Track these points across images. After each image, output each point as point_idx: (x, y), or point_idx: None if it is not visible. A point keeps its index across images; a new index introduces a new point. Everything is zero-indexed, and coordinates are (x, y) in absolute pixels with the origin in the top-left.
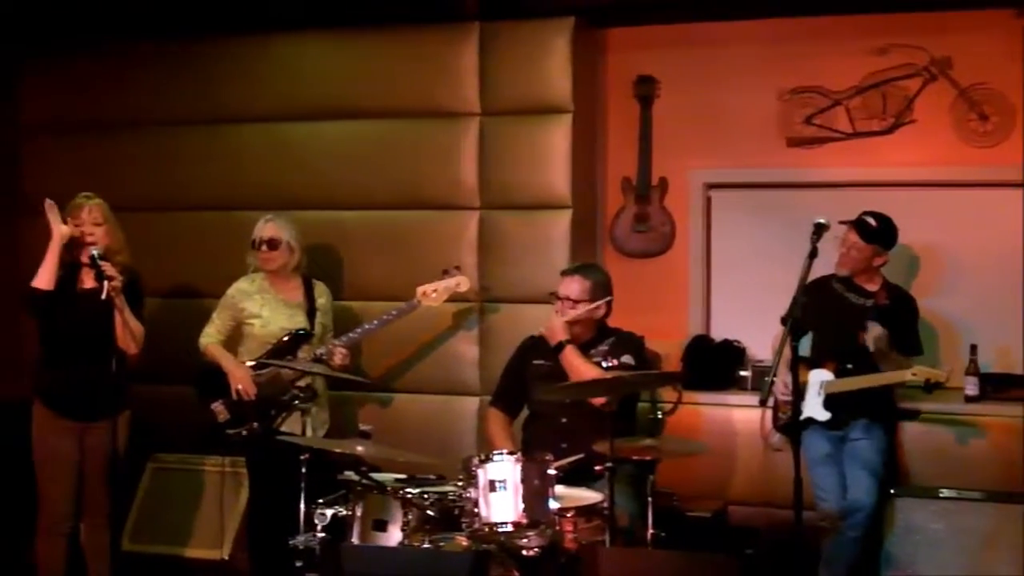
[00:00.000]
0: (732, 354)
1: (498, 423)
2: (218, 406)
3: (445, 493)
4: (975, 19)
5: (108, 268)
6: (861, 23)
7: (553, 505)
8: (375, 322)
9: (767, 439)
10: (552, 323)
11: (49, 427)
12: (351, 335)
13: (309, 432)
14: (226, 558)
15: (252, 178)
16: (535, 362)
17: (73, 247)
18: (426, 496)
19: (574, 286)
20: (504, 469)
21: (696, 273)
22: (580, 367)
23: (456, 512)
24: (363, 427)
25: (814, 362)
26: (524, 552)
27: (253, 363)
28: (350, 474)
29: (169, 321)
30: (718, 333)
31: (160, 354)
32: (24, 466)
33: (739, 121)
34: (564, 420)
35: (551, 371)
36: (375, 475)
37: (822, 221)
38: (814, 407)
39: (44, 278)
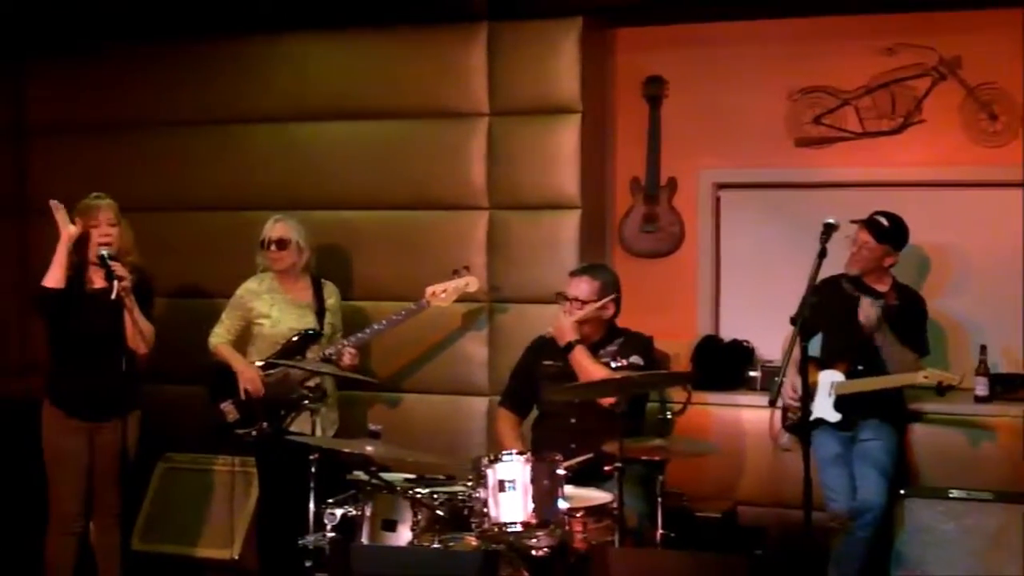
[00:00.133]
0: (741, 354)
1: (507, 423)
2: (227, 406)
3: (455, 493)
4: (984, 18)
5: (118, 268)
6: (870, 23)
7: (562, 505)
8: (384, 322)
9: (776, 439)
10: (561, 323)
11: (59, 427)
12: (360, 335)
13: (319, 432)
14: (236, 558)
15: (261, 178)
16: (544, 362)
17: (81, 247)
18: (435, 496)
19: (583, 286)
20: (513, 469)
21: (705, 273)
22: (589, 367)
23: (465, 512)
24: (372, 427)
25: (824, 363)
26: (533, 552)
27: (262, 363)
28: (360, 474)
29: (178, 321)
30: (727, 333)
31: (170, 354)
32: (35, 466)
33: (748, 121)
34: (573, 420)
35: (560, 371)
36: (384, 475)
37: (831, 221)
38: (824, 408)
39: (54, 277)
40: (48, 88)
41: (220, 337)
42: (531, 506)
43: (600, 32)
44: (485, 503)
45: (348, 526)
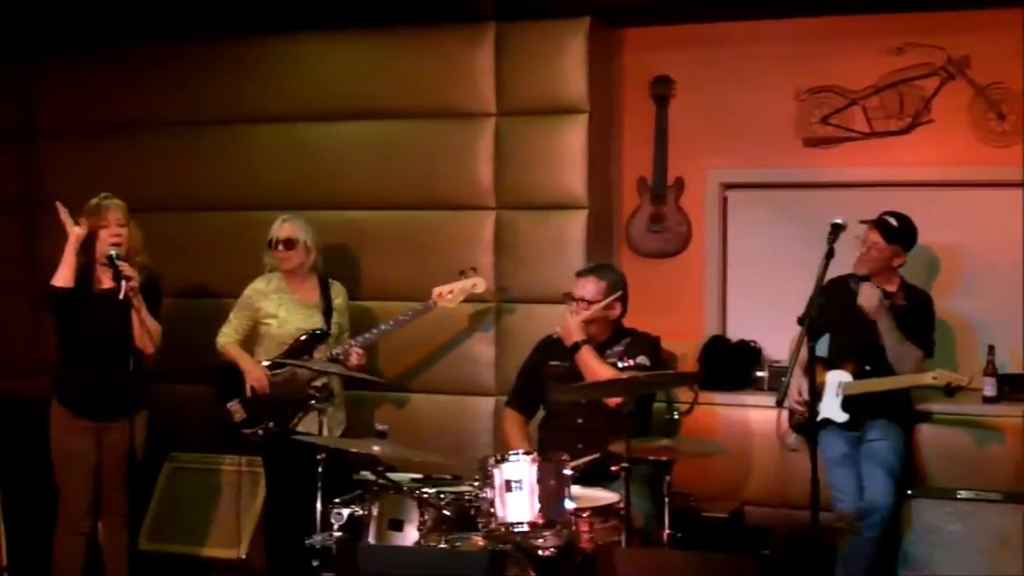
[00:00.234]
0: (748, 354)
1: (514, 423)
2: (234, 405)
3: (461, 493)
4: (993, 18)
5: (126, 268)
6: (878, 22)
7: (569, 505)
8: (391, 322)
9: (783, 439)
10: (568, 323)
11: (67, 427)
12: (367, 335)
13: (325, 432)
14: (243, 557)
15: (268, 178)
16: (551, 362)
17: (88, 247)
18: (442, 496)
19: (589, 287)
20: (520, 469)
21: (712, 273)
22: (596, 367)
23: (472, 512)
24: (379, 427)
25: (831, 363)
26: (540, 552)
27: (269, 363)
28: (366, 474)
29: (185, 321)
30: (734, 333)
31: (177, 354)
32: (43, 465)
33: (755, 121)
34: (580, 420)
35: (567, 372)
36: (391, 475)
37: (839, 221)
38: (832, 408)
39: (63, 276)
40: (57, 89)
41: (228, 337)
42: (538, 506)
43: (607, 32)
44: (492, 503)
45: (355, 526)
